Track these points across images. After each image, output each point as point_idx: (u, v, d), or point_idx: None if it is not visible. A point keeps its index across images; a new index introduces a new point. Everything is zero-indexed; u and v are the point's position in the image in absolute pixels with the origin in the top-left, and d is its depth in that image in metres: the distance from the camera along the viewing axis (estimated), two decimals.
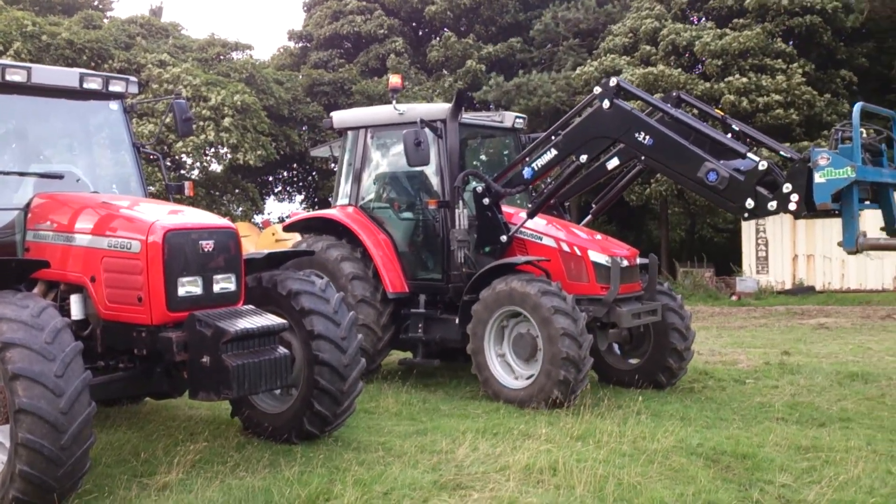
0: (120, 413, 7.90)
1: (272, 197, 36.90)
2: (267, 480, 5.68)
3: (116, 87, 7.24)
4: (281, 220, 30.27)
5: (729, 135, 8.37)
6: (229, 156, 26.99)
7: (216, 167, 29.58)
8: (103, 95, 7.26)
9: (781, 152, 8.00)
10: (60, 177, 6.90)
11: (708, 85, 23.53)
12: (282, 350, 6.00)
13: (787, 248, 23.14)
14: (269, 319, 5.99)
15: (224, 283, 6.03)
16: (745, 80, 22.91)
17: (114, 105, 7.44)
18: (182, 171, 28.39)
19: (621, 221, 31.79)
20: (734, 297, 22.39)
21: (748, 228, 23.65)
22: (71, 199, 6.55)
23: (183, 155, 26.59)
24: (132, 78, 7.51)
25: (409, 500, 5.34)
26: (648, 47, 25.12)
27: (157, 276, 5.67)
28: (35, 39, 24.59)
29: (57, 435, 4.87)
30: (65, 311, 6.00)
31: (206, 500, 5.32)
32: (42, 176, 6.85)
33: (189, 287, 5.80)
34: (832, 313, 18.21)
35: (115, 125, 7.47)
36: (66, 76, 7.04)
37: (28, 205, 6.56)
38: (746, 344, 12.91)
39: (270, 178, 35.55)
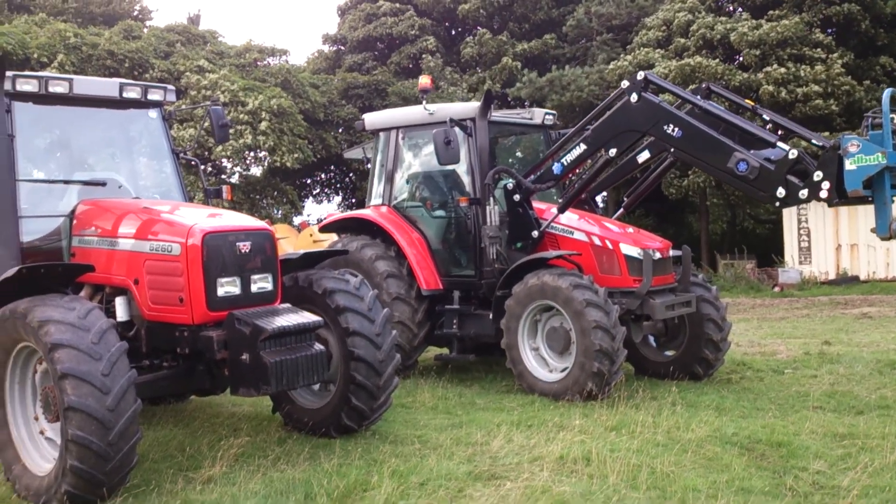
0: (166, 411, 8.15)
1: (311, 199, 37.39)
2: (307, 473, 5.85)
3: (155, 95, 7.48)
4: (318, 221, 30.67)
5: (767, 126, 8.33)
6: (268, 159, 27.42)
7: (255, 171, 30.07)
8: (142, 104, 7.51)
9: (814, 140, 7.94)
10: (103, 184, 7.16)
11: (746, 75, 23.26)
12: (318, 346, 6.17)
13: (829, 237, 22.79)
14: (305, 317, 6.15)
15: (261, 283, 6.22)
16: (783, 70, 22.59)
17: (153, 113, 7.68)
18: (223, 176, 28.91)
19: (660, 215, 31.55)
20: (777, 289, 22.12)
21: (790, 219, 23.34)
22: (113, 205, 6.80)
23: (223, 159, 27.07)
24: (170, 86, 7.75)
25: (444, 491, 5.45)
26: (682, 40, 24.90)
27: (197, 278, 5.86)
28: (77, 51, 25.24)
29: (105, 431, 5.08)
30: (110, 313, 6.24)
31: (249, 492, 5.50)
32: (86, 183, 7.12)
33: (228, 287, 5.99)
34: (876, 303, 17.91)
35: (154, 132, 7.71)
36: (106, 86, 7.29)
37: (73, 212, 6.81)
38: (787, 335, 12.79)
39: (308, 181, 35.99)
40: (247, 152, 27.03)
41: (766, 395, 8.21)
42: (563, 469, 5.80)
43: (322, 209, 39.89)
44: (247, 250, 6.11)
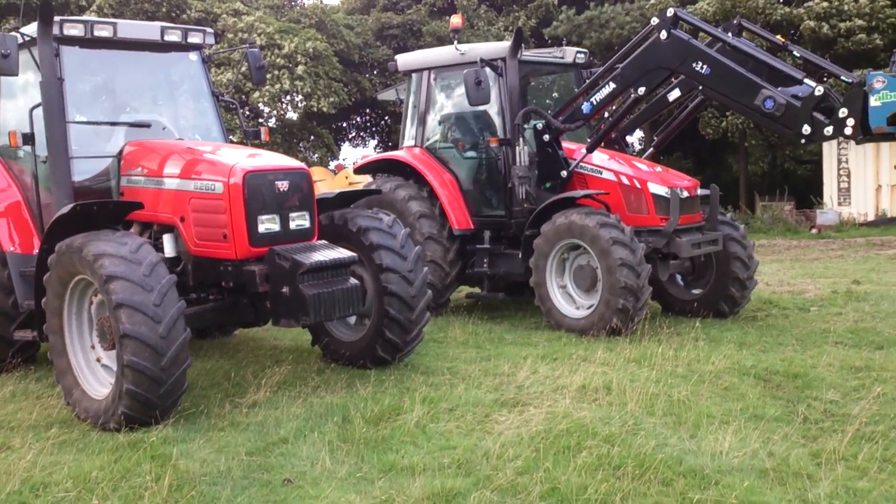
0: (212, 344, 8.60)
1: (347, 143, 37.61)
2: (344, 399, 6.25)
3: (195, 38, 7.72)
4: (354, 164, 30.95)
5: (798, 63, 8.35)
6: (303, 103, 27.59)
7: (292, 115, 30.29)
8: (183, 47, 7.76)
9: (842, 77, 7.94)
10: (148, 125, 7.50)
11: (787, 10, 22.69)
12: (353, 280, 6.50)
13: (870, 178, 22.45)
14: (341, 253, 6.47)
15: (299, 221, 6.53)
16: (825, 4, 21.99)
17: (193, 56, 7.94)
18: (260, 120, 29.18)
19: (698, 155, 31.19)
20: (814, 231, 21.95)
21: (830, 159, 23.01)
22: (159, 146, 7.13)
23: (260, 104, 27.31)
24: (209, 29, 7.98)
25: (471, 415, 5.79)
26: None
27: (238, 215, 6.19)
28: None
29: (157, 357, 5.48)
30: (158, 249, 6.61)
31: (291, 415, 5.90)
32: (131, 125, 7.46)
33: (268, 224, 6.31)
34: None
35: (194, 75, 7.99)
36: (148, 30, 7.55)
37: (121, 152, 7.15)
38: (817, 274, 12.86)
39: (344, 125, 36.14)
40: (283, 97, 27.21)
41: (789, 331, 8.40)
42: (585, 397, 6.11)
43: (358, 153, 40.13)
44: (285, 189, 6.41)
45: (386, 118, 35.52)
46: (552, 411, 5.69)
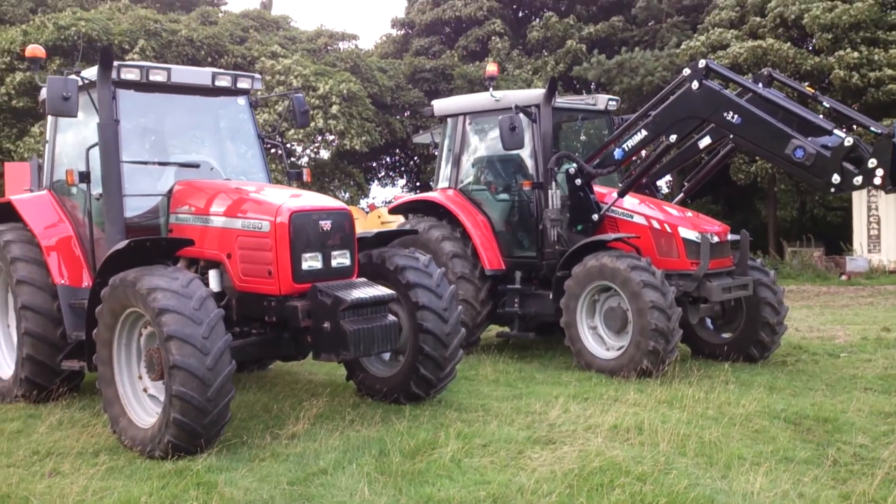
0: (250, 378, 8.83)
1: (376, 182, 38.15)
2: (380, 432, 6.42)
3: (243, 83, 8.09)
4: (386, 203, 31.38)
5: (821, 114, 8.53)
6: (336, 142, 28.14)
7: (324, 154, 30.89)
8: (232, 92, 8.14)
9: (871, 128, 8.11)
10: (197, 166, 7.83)
11: (818, 59, 22.88)
12: (391, 317, 6.71)
13: None
14: (380, 290, 6.70)
15: (340, 259, 6.79)
16: (856, 54, 22.16)
17: (241, 100, 8.31)
18: (292, 158, 29.77)
19: (728, 201, 31.24)
20: (844, 277, 21.84)
21: (860, 206, 22.97)
22: (207, 185, 7.44)
23: (293, 143, 27.92)
24: (257, 75, 8.36)
25: (505, 452, 5.93)
26: (757, 19, 24.53)
27: (284, 253, 6.46)
28: (157, 37, 26.31)
29: (204, 388, 5.70)
30: (204, 284, 6.87)
31: (329, 447, 6.08)
32: (182, 165, 7.79)
33: (311, 262, 6.57)
34: None
35: (242, 118, 8.34)
36: (200, 75, 7.93)
37: (170, 191, 7.47)
38: (847, 321, 12.85)
39: (374, 164, 36.72)
40: (316, 135, 27.79)
41: (818, 376, 8.46)
42: (617, 436, 6.22)
43: (387, 192, 40.71)
44: (328, 228, 6.68)
45: (415, 158, 36.04)
46: (585, 449, 5.82)
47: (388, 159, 37.14)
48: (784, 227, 30.60)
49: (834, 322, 12.75)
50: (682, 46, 25.08)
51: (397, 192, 38.22)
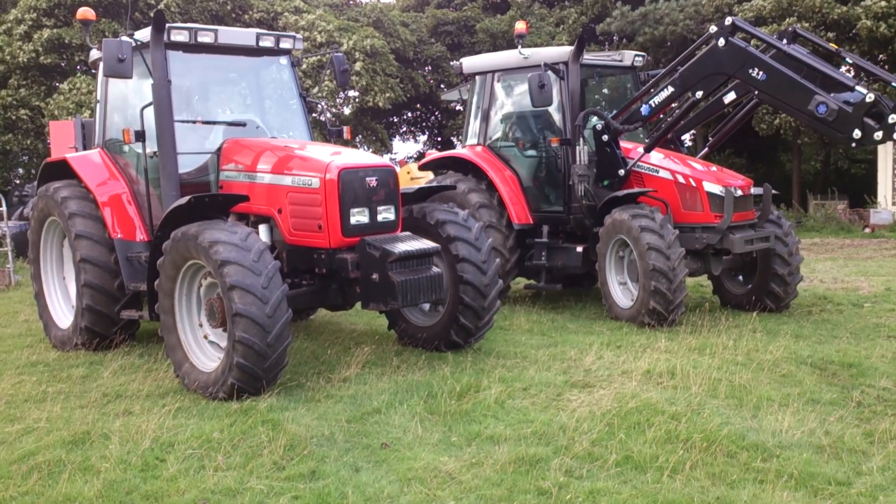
0: (296, 327, 9.23)
1: (397, 137, 38.31)
2: (426, 377, 6.81)
3: (285, 44, 8.35)
4: (411, 158, 31.59)
5: (843, 68, 8.69)
6: (358, 98, 28.26)
7: (346, 110, 31.02)
8: (275, 52, 8.39)
9: (894, 83, 8.28)
10: (244, 124, 8.14)
11: (844, 8, 22.63)
12: (436, 269, 7.06)
13: None
14: (425, 243, 7.04)
15: (385, 213, 7.12)
16: (883, 3, 21.87)
17: (283, 60, 8.57)
18: (313, 115, 29.92)
19: (752, 153, 31.16)
20: (867, 230, 21.92)
21: (885, 158, 22.93)
22: (254, 143, 7.76)
23: (318, 101, 28.10)
24: (298, 35, 8.60)
25: (544, 394, 6.31)
26: None
27: (333, 208, 6.80)
28: None
29: (264, 334, 6.10)
30: None
31: (380, 389, 6.49)
32: (229, 124, 8.11)
33: (359, 216, 6.91)
34: None
35: (285, 78, 8.62)
36: (245, 36, 8.18)
37: (219, 149, 7.79)
38: (871, 272, 13.06)
39: (395, 120, 36.83)
40: (339, 92, 27.90)
41: (843, 325, 8.74)
42: (650, 381, 6.58)
43: (408, 147, 40.84)
44: (374, 184, 6.99)
45: (436, 113, 36.11)
46: (620, 392, 6.18)
47: (409, 114, 37.22)
48: (808, 180, 30.54)
49: (858, 273, 12.96)
50: None
51: (419, 147, 38.42)
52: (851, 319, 9.06)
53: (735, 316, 9.26)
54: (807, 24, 21.85)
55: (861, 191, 25.18)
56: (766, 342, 7.73)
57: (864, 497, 4.41)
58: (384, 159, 7.57)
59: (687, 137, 25.32)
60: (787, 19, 22.00)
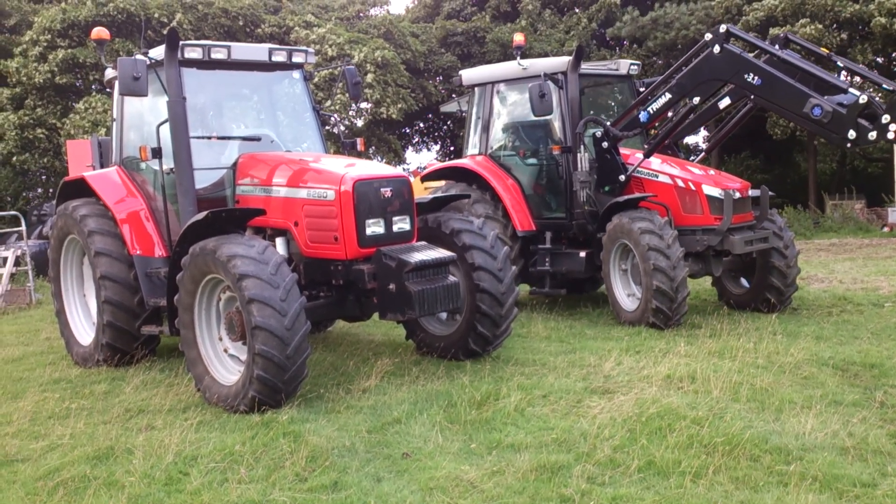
0: (314, 339, 9.27)
1: (410, 148, 38.41)
2: (446, 386, 6.82)
3: (298, 58, 8.42)
4: (420, 168, 31.69)
5: (842, 75, 8.82)
6: (371, 110, 28.37)
7: (358, 122, 31.15)
8: (287, 66, 8.46)
9: (884, 86, 8.44)
10: (258, 139, 8.21)
11: (857, 6, 22.54)
12: (452, 278, 7.08)
13: None
14: (441, 252, 7.06)
15: (401, 224, 7.15)
16: None
17: (296, 74, 8.64)
18: (326, 127, 30.10)
19: (767, 155, 31.02)
20: (886, 229, 21.74)
21: None
22: (269, 157, 7.81)
23: (330, 114, 28.23)
24: (310, 49, 8.67)
25: (564, 401, 6.30)
26: None
27: (349, 219, 6.83)
28: (194, 10, 26.62)
29: (284, 346, 6.12)
30: None
31: (399, 399, 6.50)
32: (244, 139, 8.18)
33: (374, 227, 6.94)
34: None
35: (298, 92, 8.69)
36: (257, 51, 8.25)
37: (235, 164, 7.86)
38: (891, 272, 12.96)
39: (407, 130, 36.94)
40: (351, 104, 28.02)
41: (864, 325, 8.69)
42: (671, 385, 6.55)
43: (421, 158, 40.94)
44: (389, 195, 7.03)
45: (448, 123, 36.18)
46: (641, 398, 6.15)
47: (421, 125, 37.33)
48: (824, 180, 30.33)
49: (877, 273, 12.87)
50: None
51: (432, 157, 38.50)
52: (872, 319, 9.00)
53: (755, 318, 9.22)
54: (819, 25, 21.77)
55: (878, 189, 24.97)
56: (786, 344, 7.69)
57: (889, 498, 4.37)
58: (398, 170, 7.58)
59: (700, 141, 25.26)
60: (802, 18, 21.92)
